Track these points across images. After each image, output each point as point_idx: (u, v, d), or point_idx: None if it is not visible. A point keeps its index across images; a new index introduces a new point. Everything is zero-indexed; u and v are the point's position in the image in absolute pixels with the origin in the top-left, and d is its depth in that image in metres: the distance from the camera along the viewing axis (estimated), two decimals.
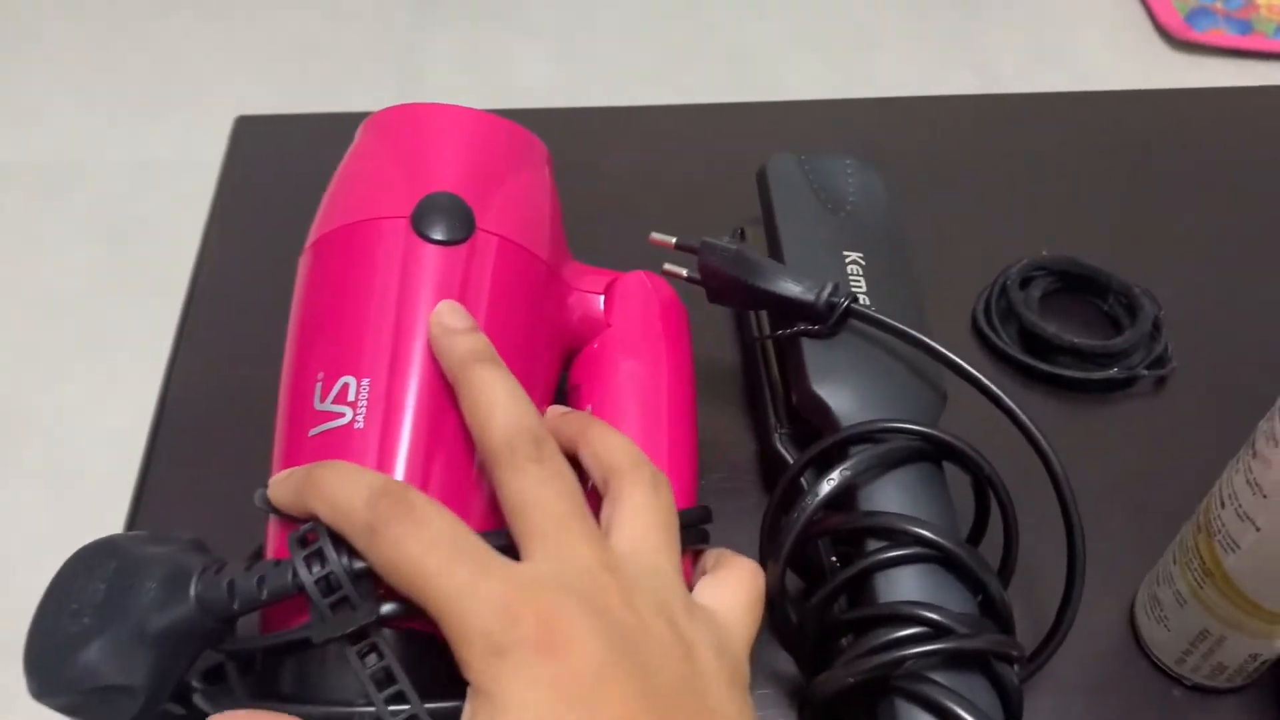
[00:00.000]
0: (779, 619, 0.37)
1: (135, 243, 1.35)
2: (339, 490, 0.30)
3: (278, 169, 0.56)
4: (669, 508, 0.32)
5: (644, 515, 0.31)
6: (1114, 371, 0.47)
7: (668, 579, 0.30)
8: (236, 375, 0.47)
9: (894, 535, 0.35)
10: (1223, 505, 0.35)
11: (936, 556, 0.35)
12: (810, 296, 0.39)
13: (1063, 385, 0.48)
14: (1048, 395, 0.48)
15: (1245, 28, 1.46)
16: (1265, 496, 0.33)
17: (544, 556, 0.29)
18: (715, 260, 0.41)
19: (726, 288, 0.42)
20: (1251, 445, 0.34)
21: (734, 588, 0.32)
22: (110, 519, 0.38)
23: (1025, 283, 0.50)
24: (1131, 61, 1.44)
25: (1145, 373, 0.47)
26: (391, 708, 0.30)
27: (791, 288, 0.40)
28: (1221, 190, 0.57)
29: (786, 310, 0.40)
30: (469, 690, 0.28)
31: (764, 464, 0.45)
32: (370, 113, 0.42)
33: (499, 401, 0.32)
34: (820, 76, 1.45)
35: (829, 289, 0.39)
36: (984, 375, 0.38)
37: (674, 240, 0.43)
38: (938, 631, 0.33)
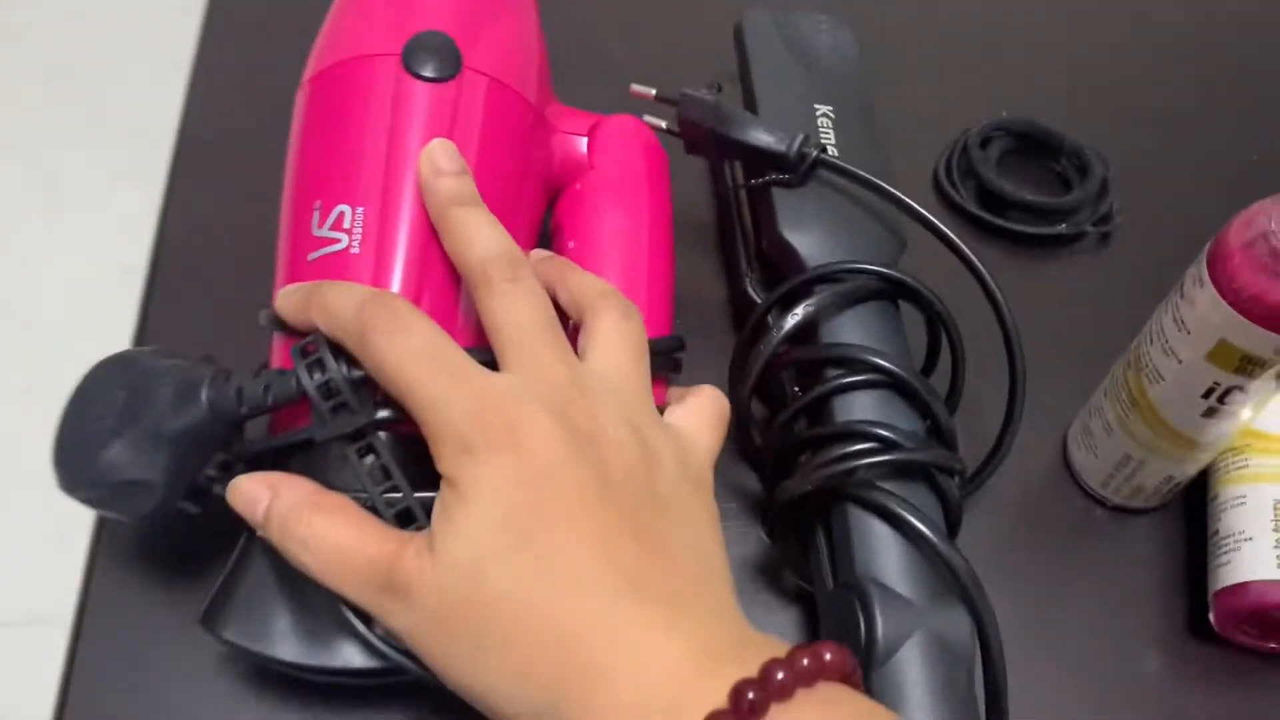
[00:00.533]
0: (744, 440, 0.41)
1: (90, 88, 1.33)
2: (335, 300, 0.33)
3: (262, 12, 0.57)
4: (638, 333, 0.34)
5: (614, 338, 0.34)
6: (1063, 227, 0.50)
7: (635, 395, 0.33)
8: (231, 212, 0.48)
9: (851, 364, 0.38)
10: (1151, 342, 0.39)
11: (889, 383, 0.38)
12: (782, 147, 0.41)
13: (1016, 239, 0.51)
14: (1001, 249, 0.51)
15: None
16: (1189, 333, 0.36)
17: (517, 369, 0.31)
18: (694, 112, 0.43)
19: (704, 138, 0.44)
20: (1180, 288, 0.37)
21: (698, 409, 0.35)
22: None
23: (985, 142, 0.52)
24: None
25: (1091, 229, 0.50)
26: (386, 497, 0.33)
27: (765, 138, 0.42)
28: (1172, 61, 0.59)
29: (760, 160, 0.42)
30: (441, 483, 0.30)
31: (734, 307, 0.48)
32: None
33: (478, 231, 0.34)
34: None
35: (799, 140, 0.41)
36: (948, 230, 0.40)
37: (654, 92, 0.45)
38: (887, 446, 0.36)
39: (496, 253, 0.34)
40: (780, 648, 0.27)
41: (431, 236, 0.37)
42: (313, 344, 0.34)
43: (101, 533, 0.41)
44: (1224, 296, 0.34)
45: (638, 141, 0.43)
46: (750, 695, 0.25)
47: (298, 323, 0.34)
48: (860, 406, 0.38)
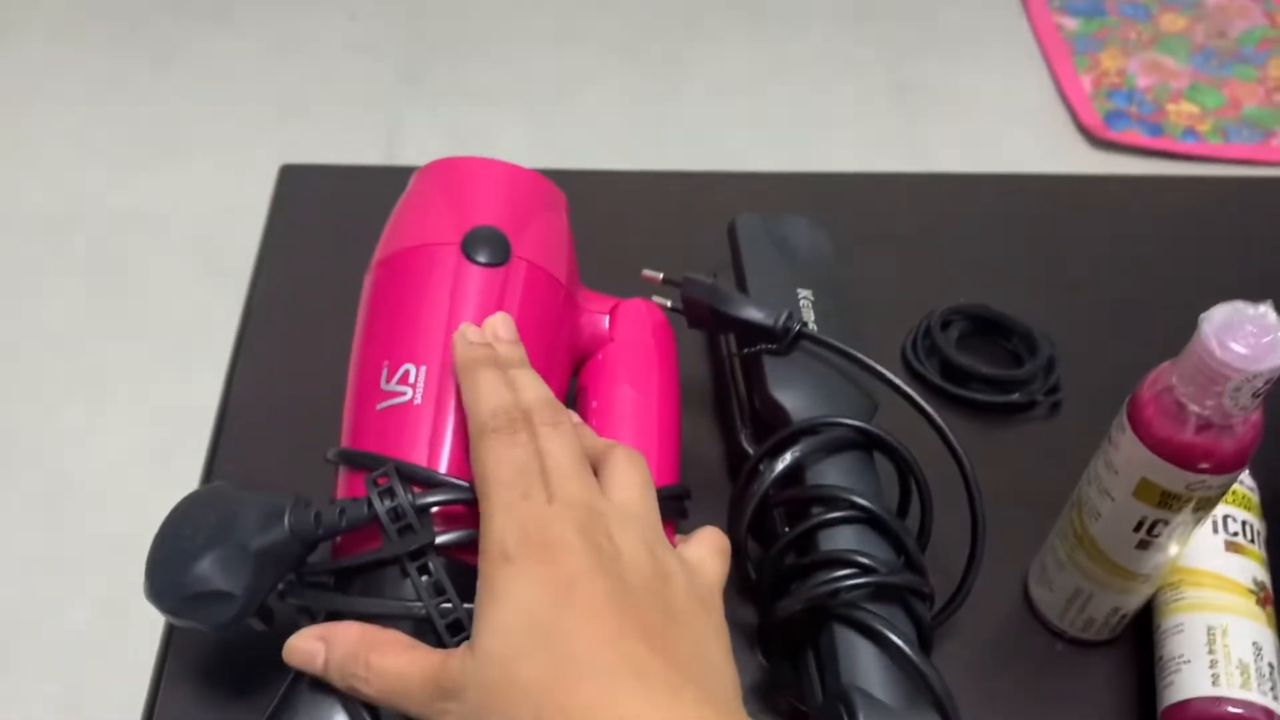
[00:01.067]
0: (742, 574, 0.47)
1: (128, 288, 1.42)
2: (479, 394, 0.40)
3: (317, 213, 0.66)
4: (645, 473, 0.41)
5: (627, 477, 0.40)
6: (1016, 396, 0.58)
7: (649, 523, 0.39)
8: (288, 383, 0.55)
9: (833, 501, 0.45)
10: (1089, 484, 0.45)
11: (866, 518, 0.44)
12: (770, 321, 0.49)
13: (976, 408, 0.58)
14: (964, 415, 0.58)
15: (1156, 130, 1.62)
16: (1117, 473, 0.43)
17: (555, 497, 0.37)
18: (695, 291, 0.51)
19: (703, 315, 0.51)
20: (1109, 436, 0.44)
21: (703, 542, 0.41)
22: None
23: (945, 325, 0.60)
24: (1054, 156, 1.59)
25: (1041, 398, 0.58)
26: (442, 606, 0.39)
27: (756, 314, 0.50)
28: (1111, 256, 0.68)
29: (751, 333, 0.50)
30: (479, 583, 0.36)
31: (730, 460, 0.55)
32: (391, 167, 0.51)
33: (529, 383, 0.41)
34: (772, 154, 1.58)
35: (785, 315, 0.49)
36: (906, 387, 0.48)
37: (661, 275, 0.53)
38: (865, 571, 0.42)
39: (542, 399, 0.40)
40: None
41: None
42: (384, 475, 0.40)
43: (167, 654, 0.46)
44: (1141, 440, 0.41)
45: (650, 320, 0.51)
46: None
47: (459, 374, 0.41)
48: (842, 538, 0.44)
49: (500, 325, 0.44)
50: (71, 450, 1.27)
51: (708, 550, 0.41)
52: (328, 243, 0.62)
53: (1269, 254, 0.70)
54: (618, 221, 0.67)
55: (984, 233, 0.70)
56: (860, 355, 0.48)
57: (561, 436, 0.39)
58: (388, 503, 0.39)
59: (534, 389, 0.41)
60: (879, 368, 0.48)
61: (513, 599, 0.35)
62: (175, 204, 1.52)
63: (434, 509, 0.40)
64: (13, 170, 1.56)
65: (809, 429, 0.47)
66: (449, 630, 0.39)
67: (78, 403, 1.31)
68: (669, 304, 0.52)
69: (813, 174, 0.73)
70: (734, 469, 0.54)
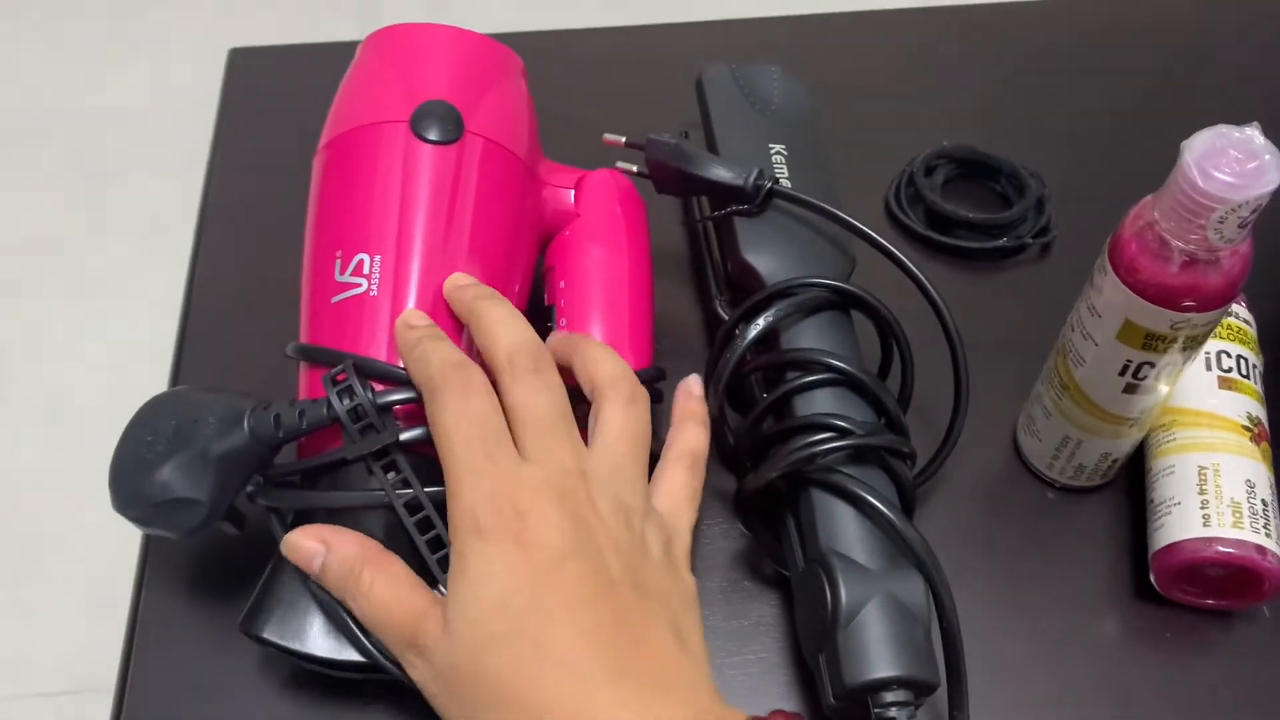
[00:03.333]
0: (719, 441, 0.46)
1: (107, 184, 1.40)
2: (432, 353, 0.38)
3: (271, 94, 0.63)
4: (641, 418, 0.39)
5: (617, 425, 0.38)
6: (1004, 241, 0.55)
7: (631, 483, 0.38)
8: (253, 269, 0.54)
9: (809, 365, 0.43)
10: (1073, 329, 0.44)
11: (844, 380, 0.43)
12: (740, 181, 0.47)
13: (963, 255, 0.56)
14: (951, 265, 0.56)
15: None
16: (1099, 316, 0.41)
17: (533, 455, 0.36)
18: (660, 154, 0.49)
19: (670, 177, 0.49)
20: (1091, 278, 0.42)
21: (676, 486, 0.40)
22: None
23: (930, 170, 0.58)
24: None
25: (1031, 241, 0.56)
26: (404, 502, 0.38)
27: (724, 173, 0.47)
28: (1096, 85, 0.65)
29: (721, 194, 0.48)
30: (452, 555, 0.35)
31: (707, 327, 0.53)
32: (346, 42, 0.49)
33: (504, 323, 0.39)
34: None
35: (755, 173, 0.47)
36: (892, 246, 0.45)
37: (624, 139, 0.50)
38: (843, 434, 0.41)
39: (519, 342, 0.38)
40: (740, 717, 0.32)
41: (441, 279, 0.42)
42: (342, 373, 0.39)
43: (142, 587, 0.46)
44: (1123, 280, 0.39)
45: (617, 191, 0.49)
46: None
47: (405, 356, 0.39)
48: (819, 402, 0.43)
49: (459, 277, 0.42)
50: (66, 354, 1.28)
51: (681, 496, 0.40)
52: (284, 128, 0.59)
53: (1268, 68, 0.66)
54: (581, 85, 0.64)
55: (968, 69, 0.66)
56: (832, 209, 0.46)
57: (542, 385, 0.38)
58: (347, 402, 0.38)
59: (511, 332, 0.39)
60: (852, 220, 0.46)
61: (486, 580, 0.34)
62: (152, 99, 1.48)
63: (396, 406, 0.39)
64: None
65: (783, 291, 0.45)
66: (418, 527, 0.38)
67: (66, 307, 1.31)
68: (634, 169, 0.50)
69: (783, 17, 0.68)
70: (711, 337, 0.53)
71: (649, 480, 0.40)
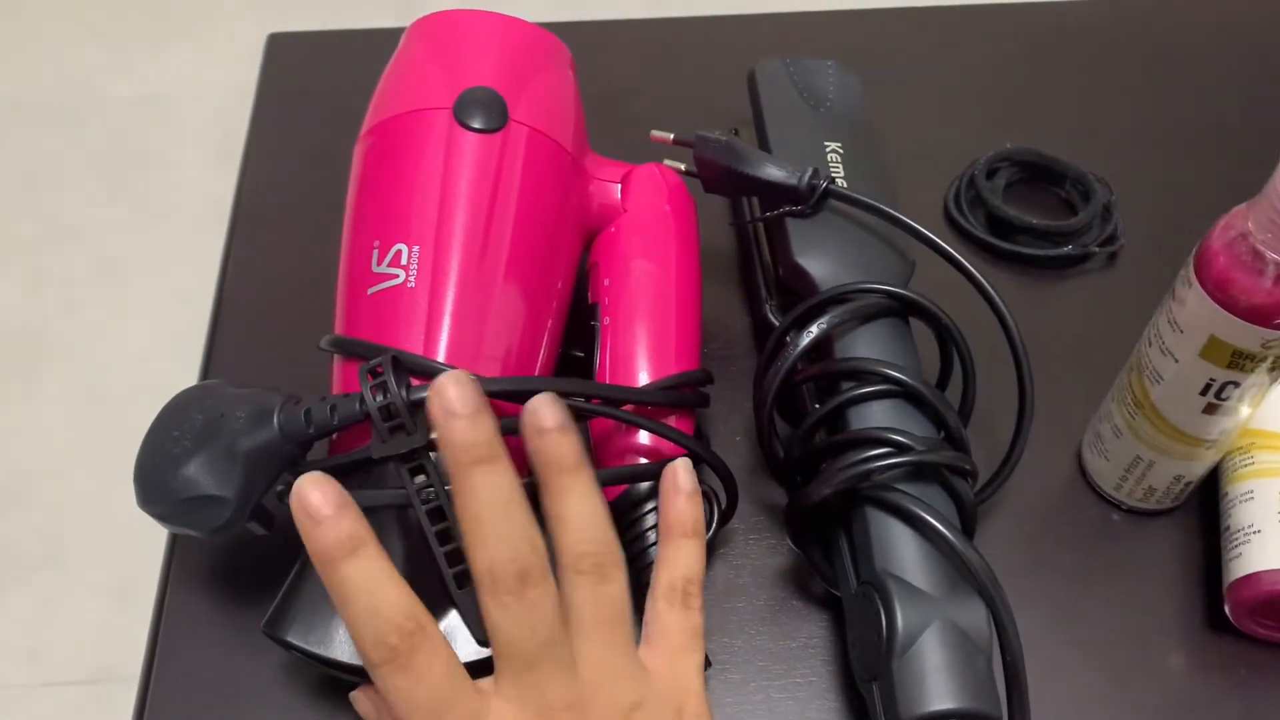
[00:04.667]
0: (769, 454, 0.43)
1: (144, 171, 1.40)
2: (363, 623, 0.31)
3: (309, 81, 0.62)
4: (615, 598, 0.33)
5: (590, 614, 0.33)
6: (1069, 249, 0.53)
7: (622, 674, 0.33)
8: (288, 258, 0.52)
9: (864, 375, 0.41)
10: (1150, 344, 0.41)
11: (901, 392, 0.40)
12: (793, 180, 0.45)
13: (1026, 263, 0.53)
14: (1012, 272, 0.53)
15: None
16: (1181, 332, 0.39)
17: (511, 688, 0.32)
18: (709, 151, 0.46)
19: (719, 176, 0.47)
20: (1172, 291, 0.39)
21: (668, 636, 0.36)
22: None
23: (991, 173, 0.55)
24: None
25: (1097, 250, 0.53)
26: (427, 509, 0.36)
27: (776, 173, 0.45)
28: (1165, 88, 0.62)
29: (773, 194, 0.46)
30: None
31: (757, 333, 0.51)
32: (387, 29, 0.47)
33: (489, 520, 0.31)
34: None
35: (809, 173, 0.45)
36: (942, 243, 0.43)
37: (671, 136, 0.48)
38: (900, 449, 0.39)
39: (505, 553, 0.31)
40: None
41: (480, 272, 0.40)
42: (379, 366, 0.37)
43: (171, 560, 0.44)
44: (1210, 295, 0.37)
45: (666, 187, 0.47)
46: None
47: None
48: (875, 415, 0.40)
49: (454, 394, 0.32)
50: (100, 343, 1.27)
51: (679, 644, 0.36)
52: (322, 116, 0.58)
53: None
54: (630, 78, 0.62)
55: (1032, 68, 0.63)
56: (891, 210, 0.44)
57: (529, 607, 0.31)
58: (380, 399, 0.36)
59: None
60: (911, 222, 0.44)
61: None
62: (191, 86, 1.47)
63: None
64: (18, 58, 1.52)
65: (838, 297, 0.43)
66: (438, 539, 0.36)
67: (101, 295, 1.31)
68: (682, 167, 0.48)
69: (842, 11, 0.66)
70: (760, 342, 0.51)
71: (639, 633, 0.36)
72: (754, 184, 0.46)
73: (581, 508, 0.33)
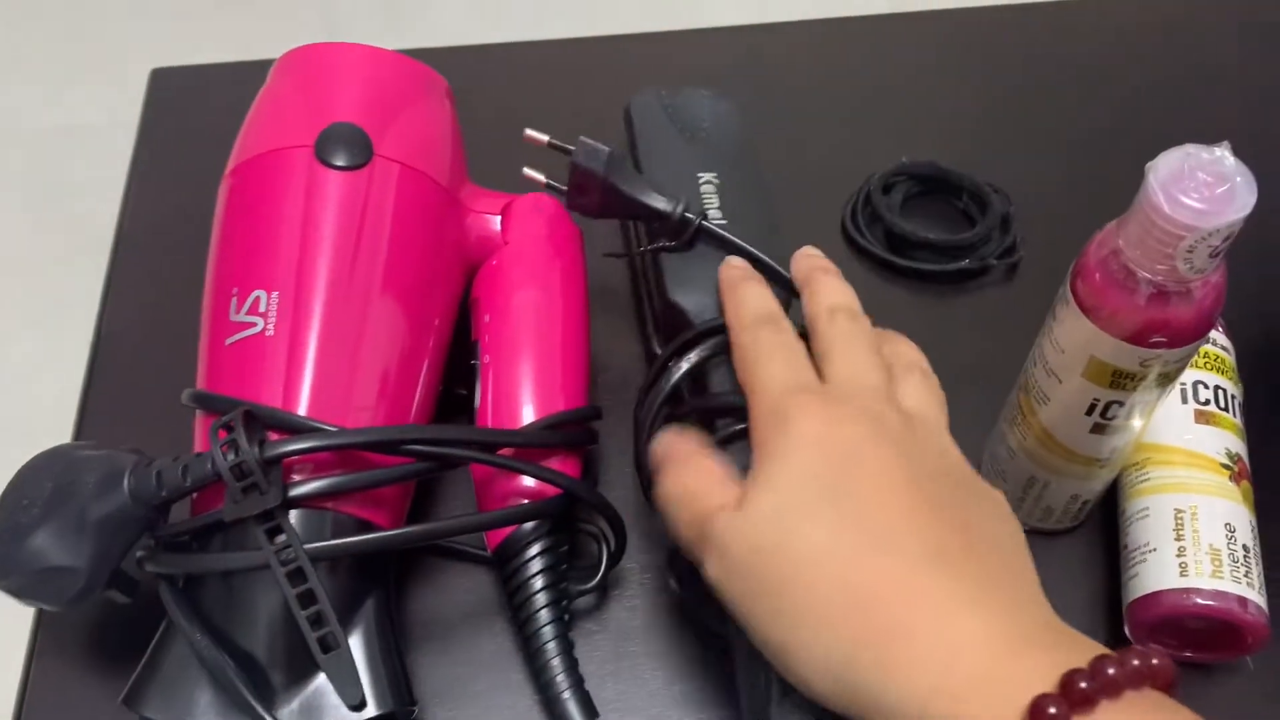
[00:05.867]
0: (647, 487, 0.42)
1: (58, 206, 1.36)
2: (744, 303, 0.37)
3: (196, 118, 0.59)
4: (940, 395, 0.36)
5: (920, 388, 0.35)
6: (966, 262, 0.52)
7: (938, 429, 0.35)
8: (166, 308, 0.50)
9: (738, 411, 0.39)
10: (1035, 364, 0.40)
11: None
12: (668, 208, 0.43)
13: (923, 278, 0.53)
14: (910, 289, 0.53)
15: None
16: (1063, 352, 0.38)
17: (838, 367, 0.34)
18: (589, 160, 0.43)
19: (594, 191, 0.43)
20: (1053, 310, 0.39)
21: (928, 390, 0.36)
22: None
23: (888, 188, 0.55)
24: None
25: (995, 262, 0.52)
26: (287, 571, 0.34)
27: (656, 199, 0.43)
28: (1063, 96, 0.62)
29: (648, 219, 0.43)
30: (753, 451, 0.32)
31: (650, 361, 0.50)
32: (271, 60, 0.45)
33: (834, 288, 0.37)
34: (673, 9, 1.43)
35: (681, 205, 0.43)
36: (849, 272, 0.41)
37: (547, 138, 0.44)
38: None
39: (845, 303, 0.37)
40: (1100, 646, 0.27)
41: (346, 317, 0.39)
42: (230, 424, 0.35)
43: (38, 637, 0.42)
44: (1086, 314, 0.36)
45: (548, 216, 0.45)
46: (1082, 685, 0.25)
47: (724, 294, 0.39)
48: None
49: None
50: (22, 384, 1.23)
51: (934, 402, 0.36)
52: (208, 154, 0.56)
53: (1248, 80, 0.63)
54: (514, 104, 0.60)
55: (928, 80, 0.62)
56: (754, 250, 0.42)
57: (858, 329, 0.36)
58: (231, 457, 0.35)
59: (837, 293, 0.37)
60: (769, 260, 0.42)
61: (789, 456, 0.31)
62: (111, 116, 1.44)
63: (290, 458, 0.36)
64: None
65: (715, 328, 0.41)
66: (311, 623, 0.35)
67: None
68: (543, 179, 0.45)
69: (732, 27, 0.65)
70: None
71: None
72: (629, 206, 0.43)
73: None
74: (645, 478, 0.42)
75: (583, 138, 0.43)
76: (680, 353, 0.41)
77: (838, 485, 0.30)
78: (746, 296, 0.38)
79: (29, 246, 1.35)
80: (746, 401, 0.34)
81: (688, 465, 0.34)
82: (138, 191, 0.56)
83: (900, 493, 0.30)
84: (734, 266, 0.40)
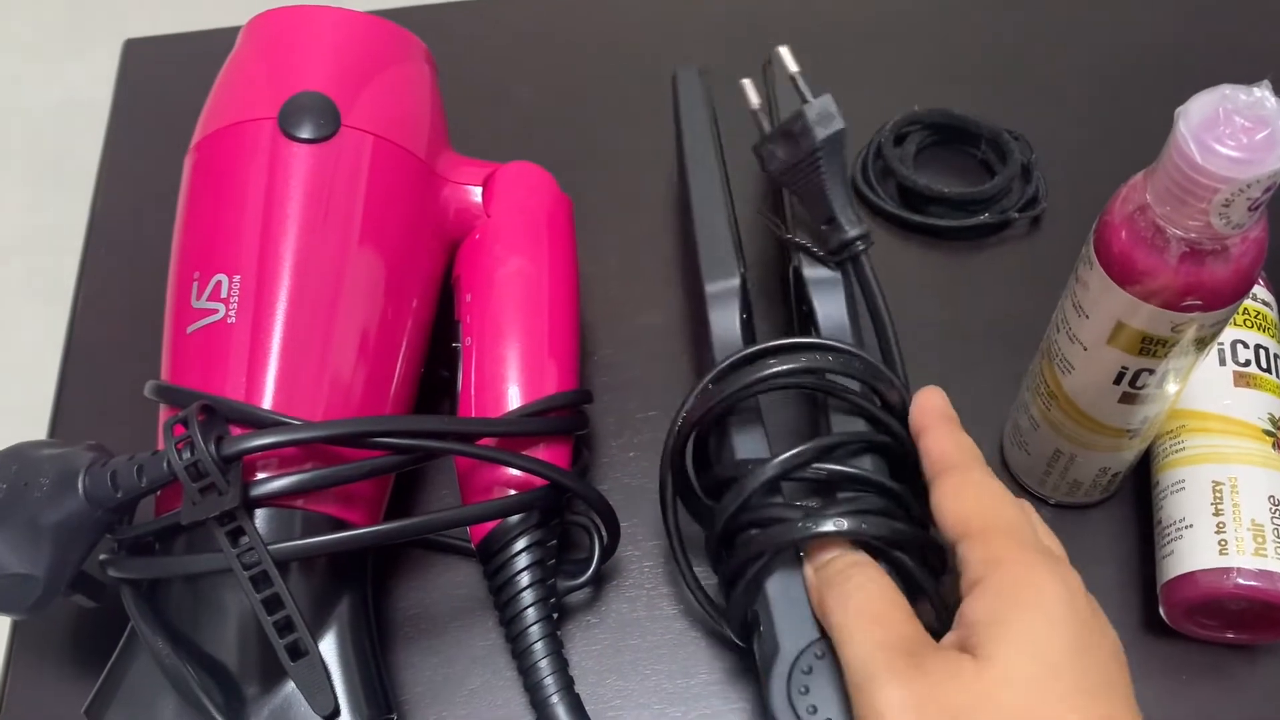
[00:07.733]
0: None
1: (45, 183, 1.34)
2: (963, 441, 0.33)
3: (173, 91, 0.57)
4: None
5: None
6: (985, 216, 0.48)
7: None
8: (140, 291, 0.48)
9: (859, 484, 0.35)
10: (1058, 330, 0.37)
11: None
12: (855, 231, 0.39)
13: (939, 234, 0.49)
14: (926, 246, 0.49)
15: None
16: (1087, 317, 0.35)
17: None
18: (815, 119, 0.39)
19: (799, 151, 0.39)
20: (1075, 272, 0.35)
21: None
22: None
23: (900, 139, 0.51)
24: None
25: (1017, 215, 0.49)
26: (251, 575, 0.33)
27: (848, 208, 0.39)
28: (1089, 30, 0.57)
29: (819, 217, 0.39)
30: (986, 583, 0.29)
31: (645, 337, 0.47)
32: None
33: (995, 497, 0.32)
34: None
35: (861, 231, 0.39)
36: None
37: (798, 68, 0.41)
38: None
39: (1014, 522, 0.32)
40: None
41: (313, 300, 0.36)
42: (183, 422, 0.33)
43: (14, 642, 0.41)
44: (1113, 277, 0.32)
45: (536, 187, 0.42)
46: None
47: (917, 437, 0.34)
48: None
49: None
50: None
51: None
52: (185, 130, 0.54)
53: None
54: (505, 65, 0.57)
55: (941, 23, 0.58)
56: (889, 328, 0.38)
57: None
58: (187, 456, 0.33)
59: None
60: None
61: (1043, 606, 0.29)
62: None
63: (250, 455, 0.33)
64: None
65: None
66: (277, 629, 0.33)
67: None
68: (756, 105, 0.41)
69: None
70: (650, 349, 0.46)
71: None
72: (817, 191, 0.39)
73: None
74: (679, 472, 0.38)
75: (830, 96, 0.39)
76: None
77: (1081, 640, 0.29)
78: (962, 437, 0.34)
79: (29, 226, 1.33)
80: (958, 536, 0.31)
81: (872, 610, 0.31)
82: (110, 172, 0.54)
83: (1104, 639, 0.30)
84: (936, 393, 0.35)
